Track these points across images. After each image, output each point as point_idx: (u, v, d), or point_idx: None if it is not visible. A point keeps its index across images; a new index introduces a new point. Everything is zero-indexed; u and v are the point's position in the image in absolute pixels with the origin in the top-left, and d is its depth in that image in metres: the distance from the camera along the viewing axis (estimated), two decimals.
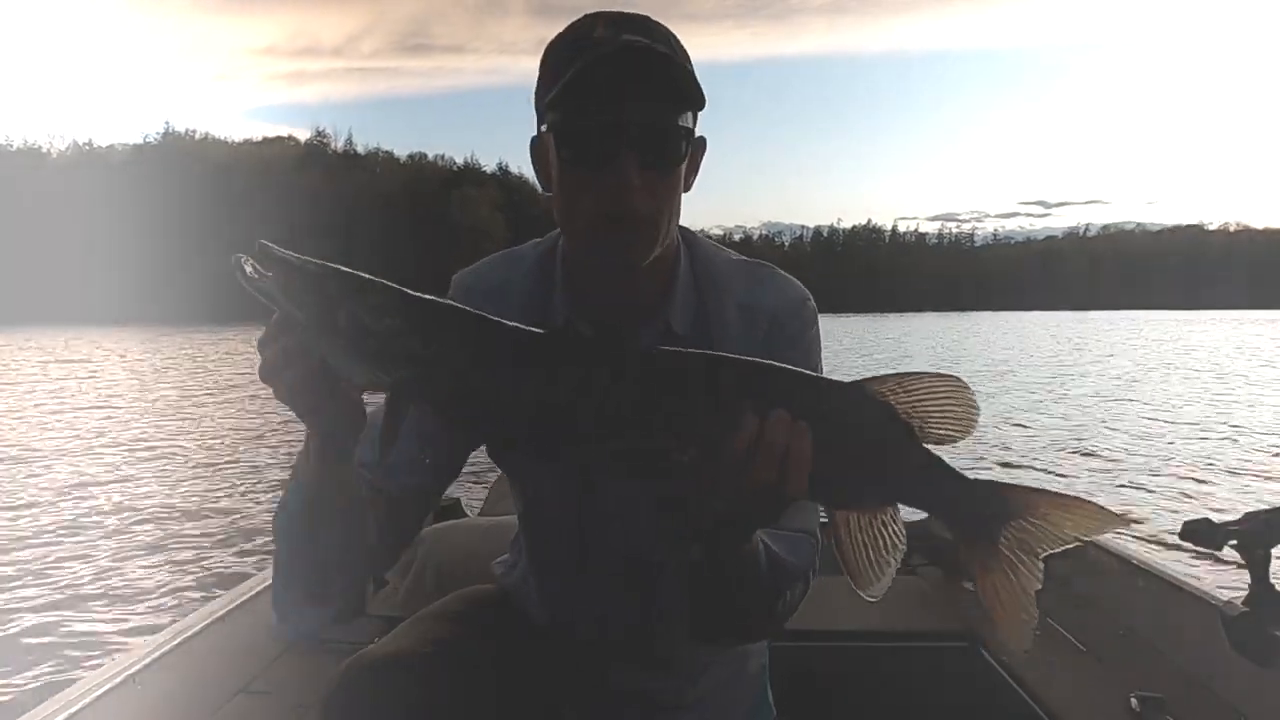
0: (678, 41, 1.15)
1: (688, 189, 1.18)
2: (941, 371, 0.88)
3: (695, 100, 1.10)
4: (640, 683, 1.38)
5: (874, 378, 0.88)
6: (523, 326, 0.93)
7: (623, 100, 1.06)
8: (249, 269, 0.87)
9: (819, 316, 1.35)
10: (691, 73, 1.10)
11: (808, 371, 0.93)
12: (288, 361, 0.89)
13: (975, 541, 0.89)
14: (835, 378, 0.93)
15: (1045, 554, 0.90)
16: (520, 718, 1.28)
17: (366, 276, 0.89)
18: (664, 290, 1.26)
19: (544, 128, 1.15)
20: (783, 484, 0.84)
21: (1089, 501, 0.89)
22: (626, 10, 1.13)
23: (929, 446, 0.89)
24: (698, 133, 1.17)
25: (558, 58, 1.11)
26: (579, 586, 1.35)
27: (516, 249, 1.39)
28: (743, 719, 1.46)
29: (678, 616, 1.28)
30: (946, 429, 0.88)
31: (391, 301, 0.87)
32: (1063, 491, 0.89)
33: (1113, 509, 0.90)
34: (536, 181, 1.22)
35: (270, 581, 2.19)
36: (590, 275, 1.25)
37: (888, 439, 0.87)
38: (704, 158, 1.22)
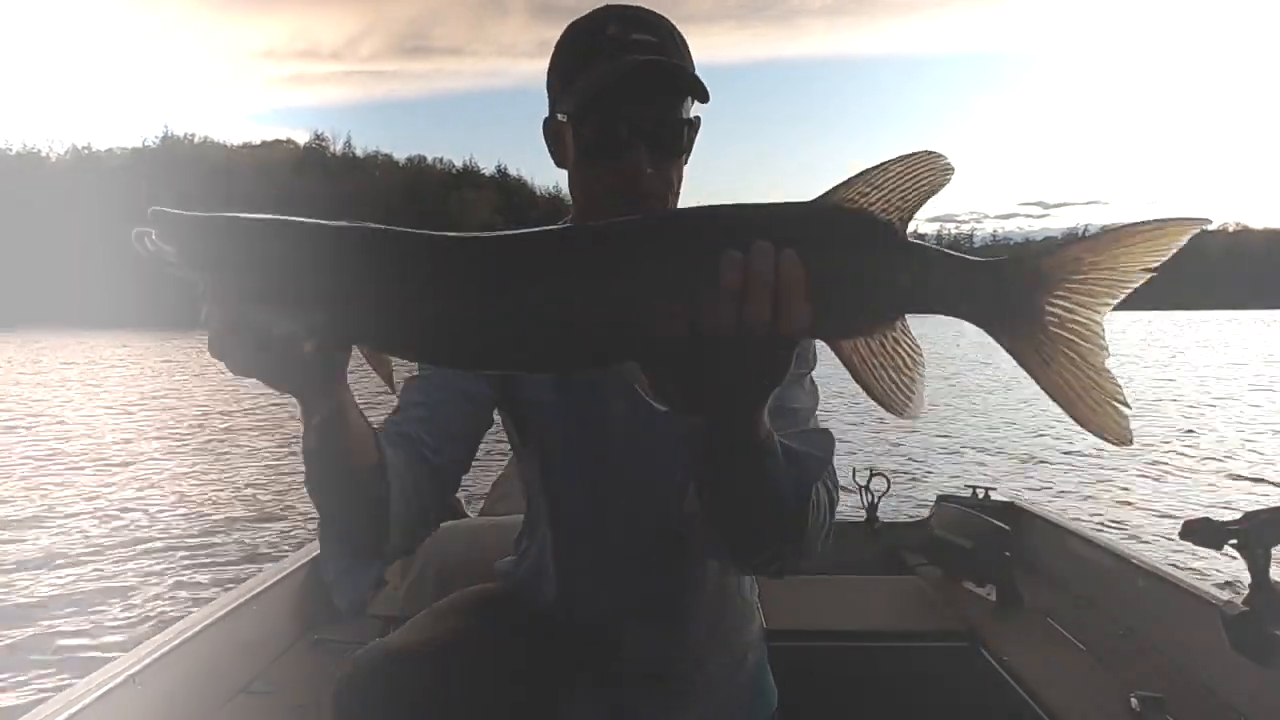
0: (679, 34, 1.24)
1: (685, 162, 1.27)
2: (904, 153, 0.78)
3: (698, 95, 1.18)
4: (647, 670, 1.39)
5: (838, 186, 0.79)
6: (451, 234, 0.82)
7: (637, 99, 1.16)
8: (149, 242, 0.79)
9: None
10: (692, 70, 1.21)
11: (773, 203, 0.82)
12: (233, 327, 0.82)
13: (1016, 330, 0.77)
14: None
15: (1108, 309, 0.76)
16: (528, 710, 1.29)
17: (249, 218, 0.82)
18: None
19: (561, 116, 1.23)
20: (780, 317, 0.76)
21: (1137, 227, 0.73)
22: (633, 5, 1.22)
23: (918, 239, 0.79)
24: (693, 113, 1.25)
25: (573, 51, 1.21)
26: (599, 552, 1.36)
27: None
28: (744, 710, 1.48)
29: (694, 579, 1.33)
30: (922, 195, 0.78)
31: (306, 255, 0.78)
32: (1095, 235, 0.75)
33: (1178, 216, 0.72)
34: (550, 159, 1.29)
35: (269, 581, 2.21)
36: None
37: (874, 245, 0.77)
38: (700, 141, 1.29)
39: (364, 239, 0.79)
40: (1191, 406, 15.58)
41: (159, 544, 6.54)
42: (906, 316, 0.80)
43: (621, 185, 1.18)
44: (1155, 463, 10.07)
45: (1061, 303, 0.74)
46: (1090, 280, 0.74)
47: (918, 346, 0.79)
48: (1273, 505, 1.89)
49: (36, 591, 5.43)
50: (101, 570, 5.87)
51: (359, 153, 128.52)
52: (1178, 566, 2.59)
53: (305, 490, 1.07)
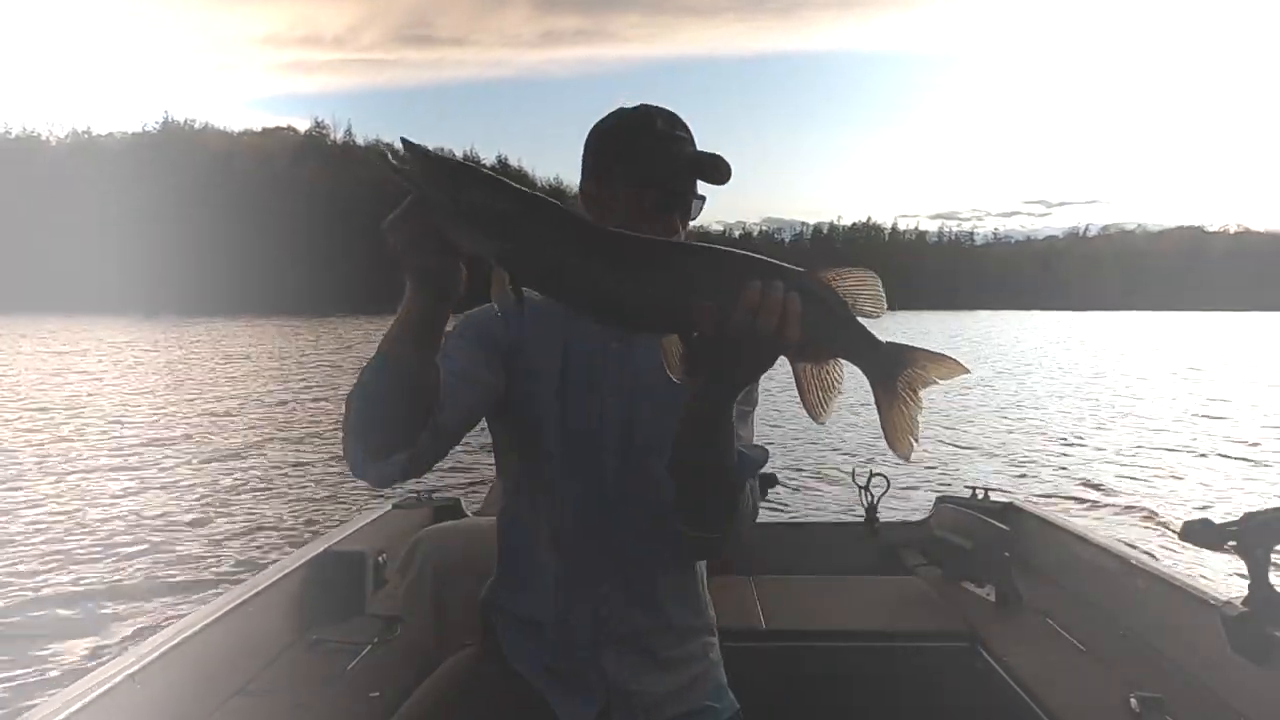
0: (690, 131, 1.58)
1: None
2: (862, 268, 1.21)
3: (724, 181, 1.52)
4: (633, 645, 1.54)
5: (817, 270, 1.20)
6: (597, 224, 1.23)
7: (688, 184, 1.52)
8: (391, 158, 1.11)
9: None
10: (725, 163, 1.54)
11: (789, 265, 1.22)
12: (423, 233, 1.14)
13: (882, 384, 1.22)
14: None
15: (923, 389, 1.23)
16: None
17: (484, 170, 1.14)
18: None
19: (617, 179, 1.52)
20: (780, 331, 1.14)
21: (947, 357, 1.23)
22: (662, 107, 1.56)
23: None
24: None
25: (626, 133, 1.54)
26: (599, 540, 1.52)
27: None
28: (714, 693, 1.61)
29: (674, 561, 1.56)
30: (870, 307, 1.21)
31: (503, 191, 1.12)
32: (930, 350, 1.23)
33: (960, 361, 1.23)
34: (575, 180, 1.60)
35: (269, 582, 2.21)
36: None
37: (836, 310, 1.19)
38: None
39: (550, 214, 1.14)
40: (1191, 406, 15.59)
41: (158, 542, 6.54)
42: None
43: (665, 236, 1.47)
44: (1155, 463, 10.07)
45: (905, 378, 1.23)
46: (917, 374, 1.23)
47: (841, 379, 1.22)
48: (1272, 505, 1.89)
49: (35, 591, 5.43)
50: (101, 570, 5.87)
51: (359, 141, 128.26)
52: (1178, 563, 2.59)
53: (350, 394, 1.27)
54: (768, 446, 1.51)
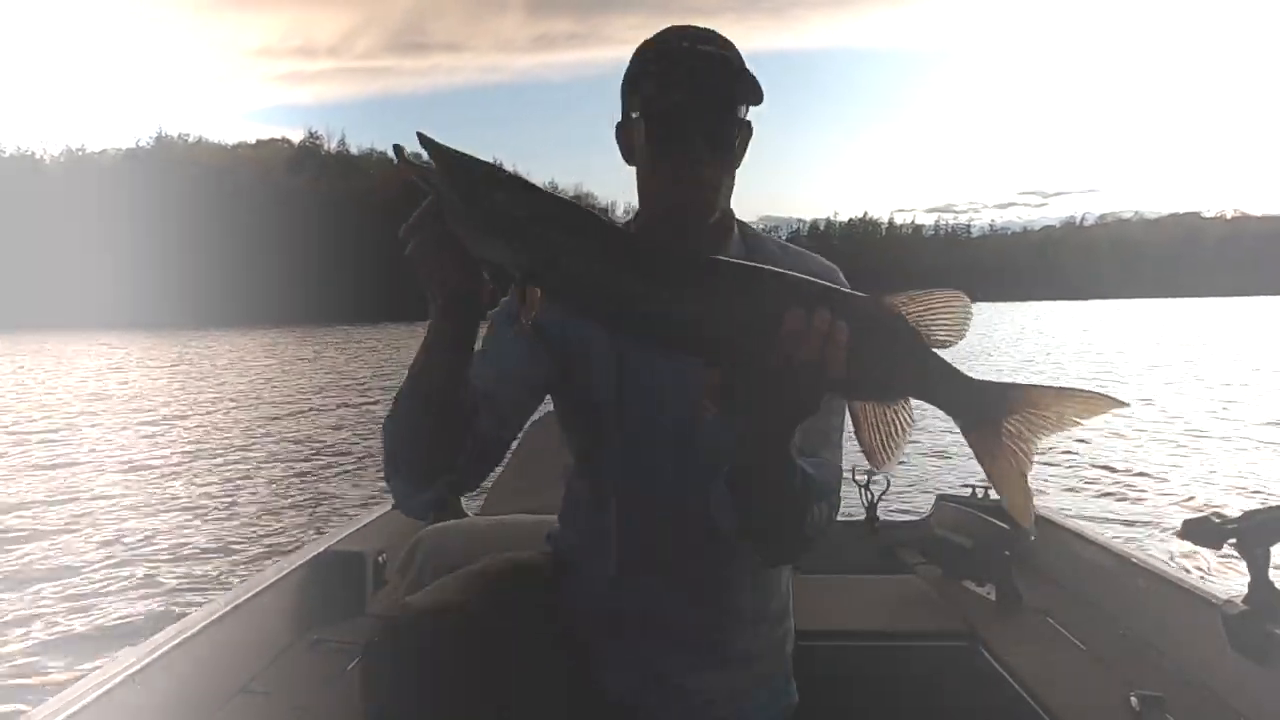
0: (739, 54, 1.39)
1: (738, 165, 1.45)
2: (947, 289, 1.04)
3: (751, 97, 1.38)
4: (688, 639, 1.47)
5: (888, 293, 1.05)
6: (627, 232, 1.12)
7: (702, 95, 1.35)
8: (409, 155, 1.01)
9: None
10: (746, 73, 1.37)
11: (840, 287, 1.12)
12: (441, 241, 1.04)
13: (979, 431, 1.03)
14: None
15: (1045, 441, 1.03)
16: (545, 685, 1.35)
17: (509, 173, 1.04)
18: (718, 249, 1.45)
19: (634, 114, 1.40)
20: (824, 363, 1.00)
21: (1081, 390, 1.03)
22: (705, 28, 1.41)
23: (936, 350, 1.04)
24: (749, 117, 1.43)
25: (643, 64, 1.40)
26: (663, 526, 1.44)
27: None
28: (772, 694, 1.56)
29: (741, 558, 1.43)
30: (947, 334, 1.04)
31: (532, 198, 1.01)
32: (1060, 387, 1.03)
33: (1104, 393, 1.02)
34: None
35: (269, 581, 2.21)
36: (663, 229, 1.43)
37: (900, 341, 1.03)
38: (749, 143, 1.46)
39: (576, 222, 1.03)
40: (1192, 400, 15.60)
41: (158, 543, 6.54)
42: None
43: (682, 166, 1.36)
44: (1156, 461, 10.08)
45: (1014, 425, 1.02)
46: (1036, 418, 1.02)
47: (911, 422, 1.05)
48: (1273, 505, 1.89)
49: (36, 591, 5.43)
50: (101, 570, 5.87)
51: (354, 150, 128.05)
52: (1179, 566, 2.59)
53: (385, 421, 1.22)
54: None
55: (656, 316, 1.04)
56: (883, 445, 1.05)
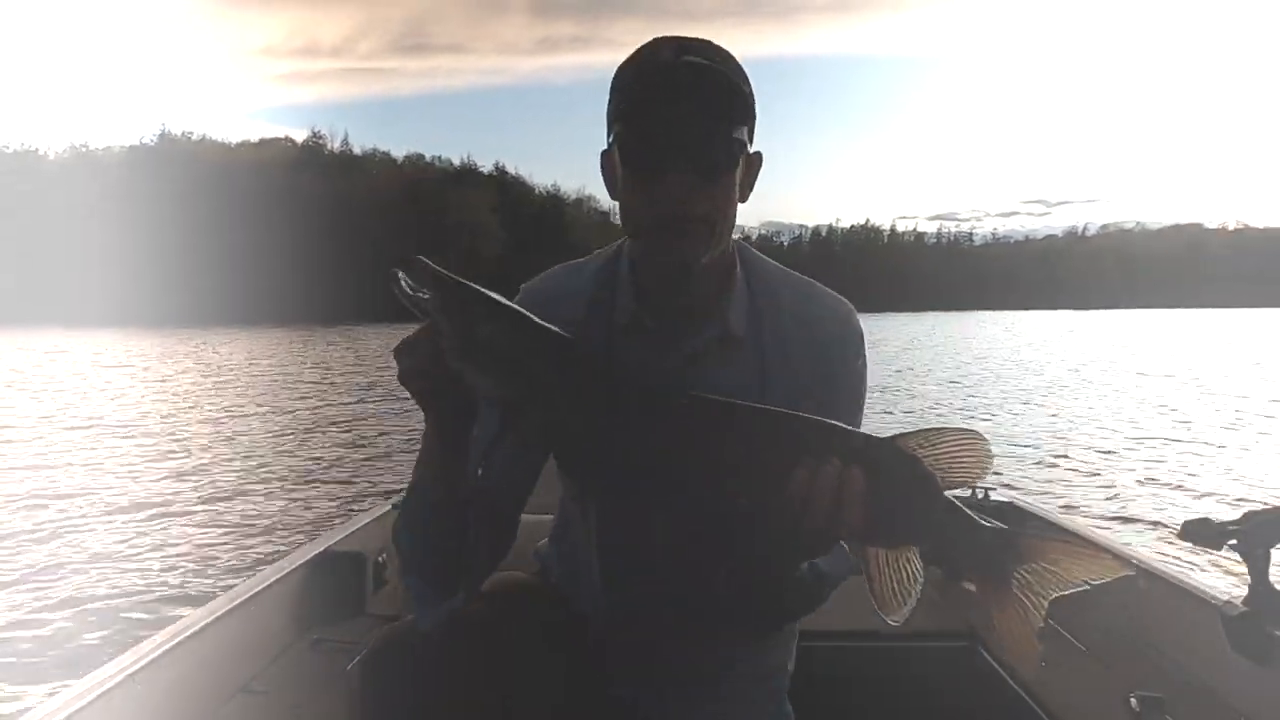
0: (737, 62, 1.23)
1: (743, 200, 1.27)
2: (962, 427, 1.01)
3: (744, 114, 1.20)
4: (677, 671, 1.42)
5: (903, 434, 1.01)
6: (624, 376, 1.09)
7: (680, 114, 1.16)
8: (404, 282, 1.01)
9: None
10: (743, 89, 1.21)
11: (849, 427, 1.04)
12: (431, 364, 1.03)
13: (989, 582, 1.01)
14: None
15: (1054, 596, 0.99)
16: (537, 702, 1.30)
17: (505, 302, 1.04)
18: (721, 293, 1.34)
19: (611, 139, 1.25)
20: (833, 527, 0.97)
21: (1096, 548, 1.01)
22: (694, 37, 1.23)
23: (950, 493, 1.01)
24: (753, 148, 1.26)
25: (625, 78, 1.23)
26: (646, 561, 1.37)
27: (577, 261, 1.48)
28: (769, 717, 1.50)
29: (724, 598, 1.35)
30: (965, 476, 1.01)
31: (521, 328, 1.02)
32: (1070, 540, 1.02)
33: (1117, 556, 1.01)
34: (605, 191, 1.31)
35: (269, 581, 2.21)
36: (652, 276, 1.33)
37: (916, 489, 0.99)
38: (759, 172, 1.31)
39: (567, 361, 1.03)
40: (1191, 405, 15.59)
41: (158, 543, 6.54)
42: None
43: (664, 205, 1.19)
44: (1156, 461, 10.07)
45: (1024, 577, 0.99)
46: (1047, 573, 0.99)
47: (921, 570, 1.01)
48: (1273, 505, 1.89)
49: (36, 591, 5.42)
50: (102, 570, 5.87)
51: (357, 150, 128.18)
52: (1178, 563, 2.59)
53: (395, 529, 1.22)
54: None
55: (655, 469, 1.01)
56: (895, 593, 1.01)
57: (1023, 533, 1.02)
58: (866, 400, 1.42)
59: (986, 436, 1.01)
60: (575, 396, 1.01)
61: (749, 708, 1.46)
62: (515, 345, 1.00)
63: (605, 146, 1.27)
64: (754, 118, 1.23)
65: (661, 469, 1.01)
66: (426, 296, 1.01)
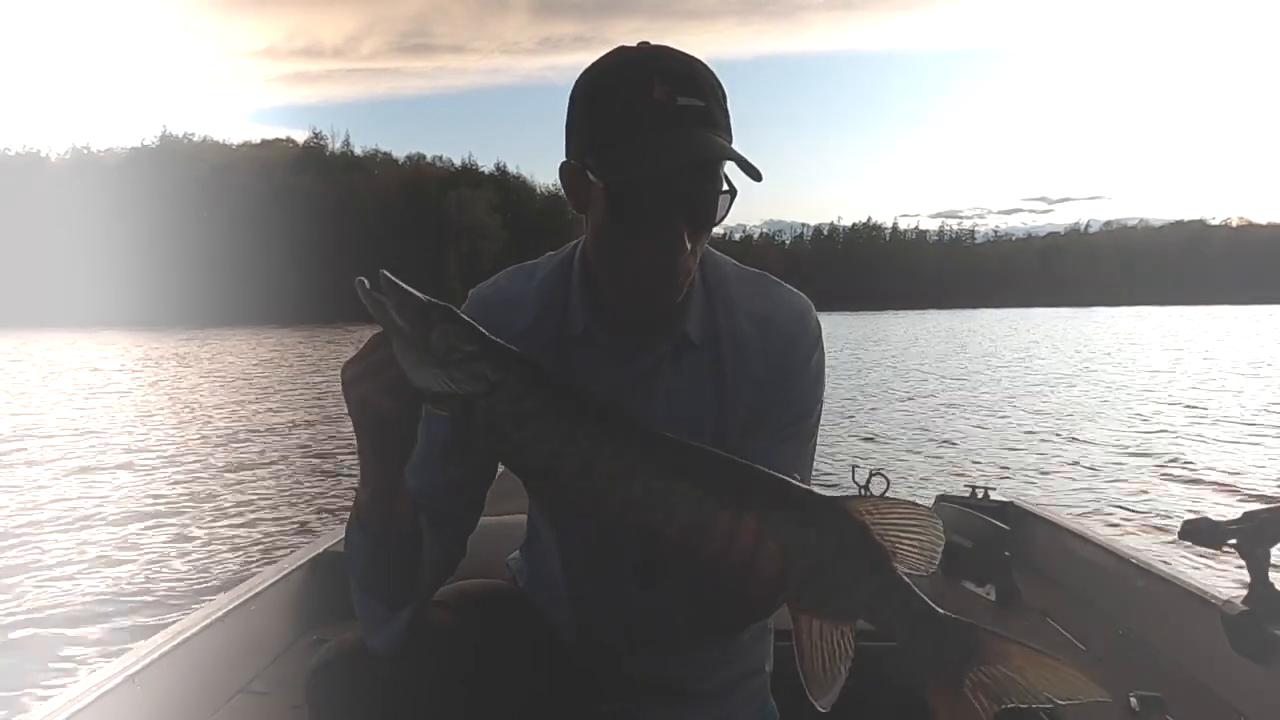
0: (720, 87, 1.18)
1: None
2: (916, 502, 0.95)
3: (753, 177, 1.14)
4: (654, 681, 1.40)
5: (853, 496, 0.97)
6: (567, 389, 1.07)
7: (678, 169, 1.12)
8: (368, 286, 1.02)
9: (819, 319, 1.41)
10: (729, 125, 1.17)
11: (794, 482, 1.01)
12: (379, 369, 1.03)
13: (938, 676, 0.92)
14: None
15: (1010, 706, 0.90)
16: (499, 708, 1.29)
17: (458, 311, 1.06)
18: (680, 303, 1.30)
19: (593, 177, 1.17)
20: (745, 587, 0.94)
21: (1065, 665, 0.90)
22: (671, 52, 1.16)
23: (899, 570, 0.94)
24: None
25: (611, 109, 1.14)
26: (609, 573, 1.35)
27: (530, 263, 1.44)
28: (752, 715, 1.49)
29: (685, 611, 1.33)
30: (914, 557, 0.93)
31: (474, 333, 1.03)
32: (1039, 648, 0.91)
33: (1088, 678, 0.89)
34: (565, 195, 1.26)
35: (269, 581, 2.21)
36: (609, 292, 1.28)
37: (859, 557, 0.93)
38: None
39: (520, 372, 1.03)
40: (1192, 404, 15.58)
41: (158, 543, 6.55)
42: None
43: (658, 262, 1.17)
44: (1156, 461, 10.06)
45: (978, 677, 0.90)
46: (1004, 674, 0.90)
47: (853, 646, 0.94)
48: (1273, 505, 1.89)
49: (36, 591, 5.43)
50: (102, 570, 5.87)
51: (358, 151, 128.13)
52: (1178, 563, 2.59)
53: (345, 548, 1.19)
54: None
55: (585, 488, 1.01)
56: (824, 669, 0.94)
57: (986, 629, 0.93)
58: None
59: (938, 518, 0.95)
60: (519, 406, 1.01)
61: (728, 709, 1.44)
62: (470, 344, 1.02)
63: (568, 160, 1.22)
64: (756, 173, 1.16)
65: (603, 494, 1.00)
66: (386, 297, 1.02)
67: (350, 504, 1.19)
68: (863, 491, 3.16)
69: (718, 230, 1.26)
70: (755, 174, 1.12)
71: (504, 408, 1.01)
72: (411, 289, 1.04)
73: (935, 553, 0.93)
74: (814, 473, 1.43)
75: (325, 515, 7.36)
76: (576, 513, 1.19)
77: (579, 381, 1.26)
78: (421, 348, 1.00)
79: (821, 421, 1.40)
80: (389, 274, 1.04)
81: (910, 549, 0.93)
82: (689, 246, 1.16)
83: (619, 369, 1.30)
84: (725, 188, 1.18)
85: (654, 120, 1.11)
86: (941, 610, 0.93)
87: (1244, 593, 1.86)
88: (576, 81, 1.20)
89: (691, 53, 1.18)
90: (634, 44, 1.19)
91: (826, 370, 1.39)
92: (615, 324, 1.31)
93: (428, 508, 1.21)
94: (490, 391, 1.01)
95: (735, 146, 1.15)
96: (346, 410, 1.07)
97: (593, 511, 1.03)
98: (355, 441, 1.10)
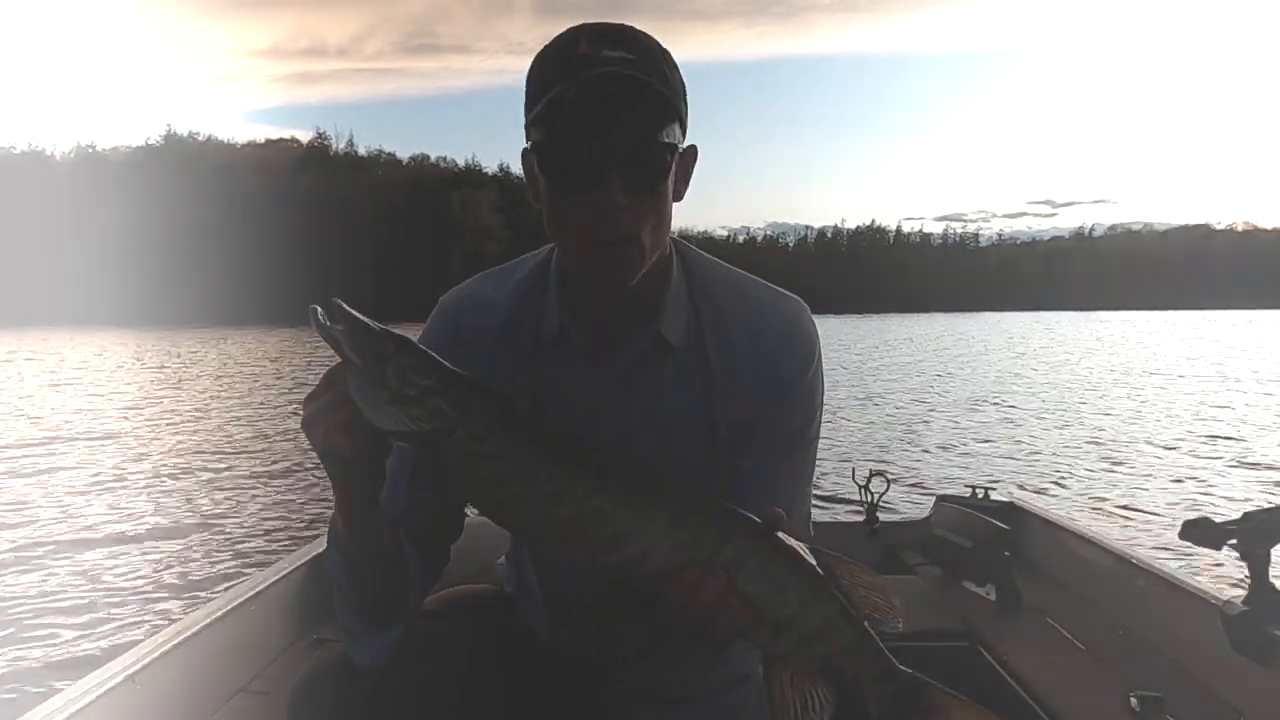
0: (663, 52, 1.14)
1: (679, 199, 1.19)
2: (879, 581, 0.99)
3: (673, 111, 1.11)
4: (639, 690, 1.37)
5: (821, 552, 1.00)
6: (536, 418, 1.06)
7: (605, 122, 1.07)
8: (321, 317, 0.99)
9: (816, 324, 1.36)
10: (674, 86, 1.13)
11: (771, 528, 0.99)
12: (335, 406, 0.98)
13: None
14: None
15: None
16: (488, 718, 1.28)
17: (415, 342, 1.02)
18: (656, 299, 1.26)
19: (527, 144, 1.15)
20: (709, 630, 0.95)
21: (986, 713, 0.97)
22: (612, 22, 1.13)
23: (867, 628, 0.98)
24: (688, 141, 1.18)
25: (541, 76, 1.12)
26: (585, 585, 1.32)
27: (506, 265, 1.39)
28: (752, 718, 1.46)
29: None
30: (871, 613, 0.98)
31: (431, 366, 0.99)
32: (975, 705, 0.97)
33: None
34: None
35: (269, 581, 2.21)
36: (583, 287, 1.26)
37: (831, 608, 0.96)
38: (696, 165, 1.23)
39: (477, 404, 0.99)
40: (1192, 405, 15.56)
41: (159, 543, 6.55)
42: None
43: (594, 224, 1.11)
44: (1156, 461, 10.05)
45: None
46: None
47: (831, 698, 0.96)
48: (1273, 505, 1.89)
49: (36, 591, 5.44)
50: (102, 570, 5.88)
51: (362, 151, 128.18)
52: (1178, 563, 2.59)
53: (328, 569, 1.17)
54: None
55: (550, 528, 0.99)
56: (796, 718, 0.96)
57: (929, 683, 0.98)
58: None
59: (897, 604, 0.99)
60: (481, 446, 0.98)
61: (721, 714, 1.41)
62: (423, 382, 0.97)
63: (525, 146, 1.17)
64: (685, 111, 1.14)
65: (569, 536, 0.99)
66: (339, 329, 0.98)
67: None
68: (862, 492, 3.17)
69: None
70: (672, 109, 1.09)
71: (464, 446, 0.97)
72: (366, 319, 0.99)
73: (890, 618, 0.98)
74: (816, 475, 1.39)
75: (326, 515, 7.35)
76: (543, 548, 1.17)
77: (554, 389, 1.24)
78: (377, 384, 0.96)
79: (821, 425, 1.36)
80: (342, 302, 0.99)
81: (866, 608, 0.98)
82: (624, 202, 1.08)
83: (595, 370, 1.26)
84: (679, 147, 1.13)
85: (574, 73, 1.06)
86: (903, 668, 0.98)
87: (1244, 593, 1.86)
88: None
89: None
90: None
91: (826, 374, 1.35)
92: (590, 323, 1.26)
93: (405, 527, 1.18)
94: (450, 430, 0.97)
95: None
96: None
97: (559, 551, 1.02)
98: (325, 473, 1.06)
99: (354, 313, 0.99)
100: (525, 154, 1.18)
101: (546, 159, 1.11)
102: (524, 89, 1.17)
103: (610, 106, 1.06)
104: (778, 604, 0.96)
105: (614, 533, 0.97)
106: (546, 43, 1.16)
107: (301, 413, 1.01)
